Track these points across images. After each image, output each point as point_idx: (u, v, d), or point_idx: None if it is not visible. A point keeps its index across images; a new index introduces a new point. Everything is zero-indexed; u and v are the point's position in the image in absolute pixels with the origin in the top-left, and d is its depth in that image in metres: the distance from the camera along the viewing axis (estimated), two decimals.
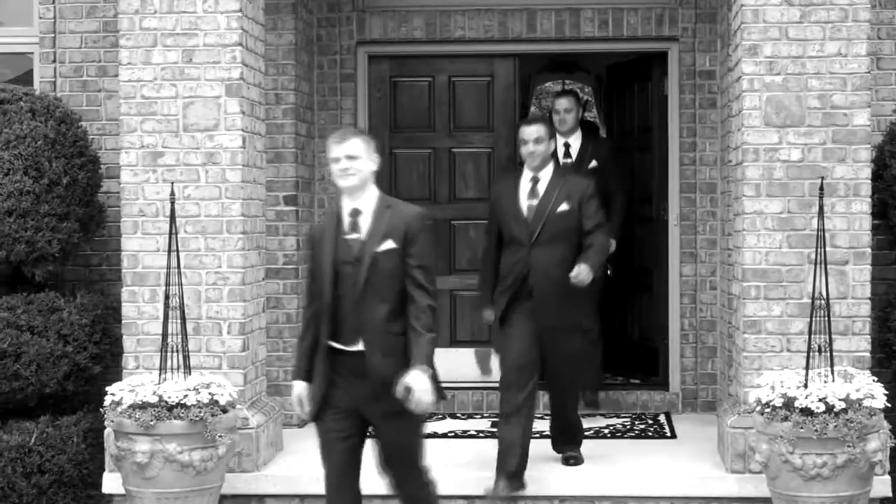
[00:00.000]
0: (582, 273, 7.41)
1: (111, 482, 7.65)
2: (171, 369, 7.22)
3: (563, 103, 9.65)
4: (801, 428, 6.62)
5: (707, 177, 9.59)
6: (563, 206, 7.60)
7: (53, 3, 9.00)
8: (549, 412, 8.28)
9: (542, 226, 7.61)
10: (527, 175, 7.77)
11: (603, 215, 7.78)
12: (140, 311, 7.69)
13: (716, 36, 9.48)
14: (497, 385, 8.14)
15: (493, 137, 10.00)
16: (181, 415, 6.92)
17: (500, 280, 7.78)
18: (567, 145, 9.55)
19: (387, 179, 9.94)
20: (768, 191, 7.39)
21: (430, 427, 8.99)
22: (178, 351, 7.25)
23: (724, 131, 9.04)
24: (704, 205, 9.61)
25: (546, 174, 7.75)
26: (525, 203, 7.67)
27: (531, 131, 7.72)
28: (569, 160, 9.52)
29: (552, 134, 8.03)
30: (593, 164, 9.44)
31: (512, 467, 7.41)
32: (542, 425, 8.33)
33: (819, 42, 7.37)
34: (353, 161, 6.23)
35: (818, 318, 7.01)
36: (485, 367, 9.91)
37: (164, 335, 7.26)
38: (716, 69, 9.50)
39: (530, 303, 7.62)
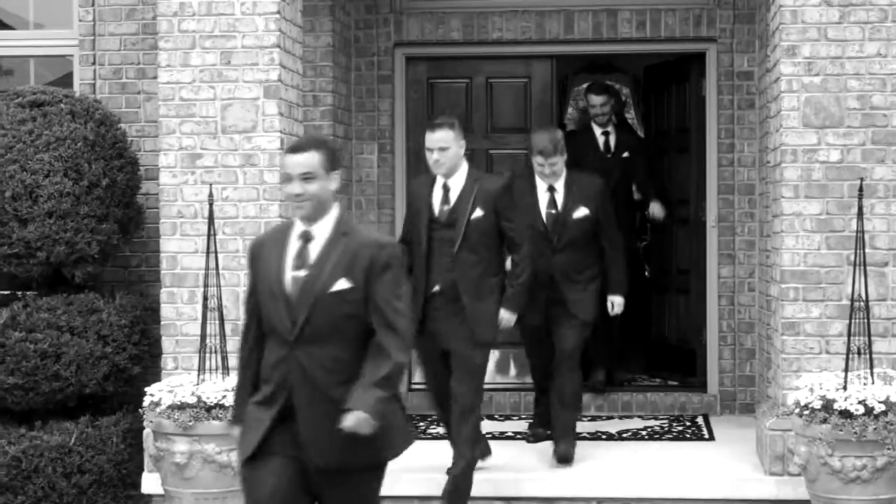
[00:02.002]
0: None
1: (150, 482, 7.68)
2: (210, 370, 7.26)
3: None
4: (841, 430, 6.58)
5: (745, 178, 9.56)
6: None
7: (93, 5, 9.05)
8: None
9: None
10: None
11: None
12: (178, 313, 7.72)
13: (754, 36, 9.44)
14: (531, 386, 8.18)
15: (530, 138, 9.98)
16: (219, 415, 6.94)
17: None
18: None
19: None
20: (807, 192, 7.36)
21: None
22: (216, 352, 7.28)
23: (762, 132, 9.00)
24: (743, 206, 9.57)
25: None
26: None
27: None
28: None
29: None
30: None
31: None
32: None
33: (858, 42, 7.33)
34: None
35: (857, 320, 6.98)
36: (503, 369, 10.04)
37: (203, 336, 7.29)
38: (754, 70, 9.47)
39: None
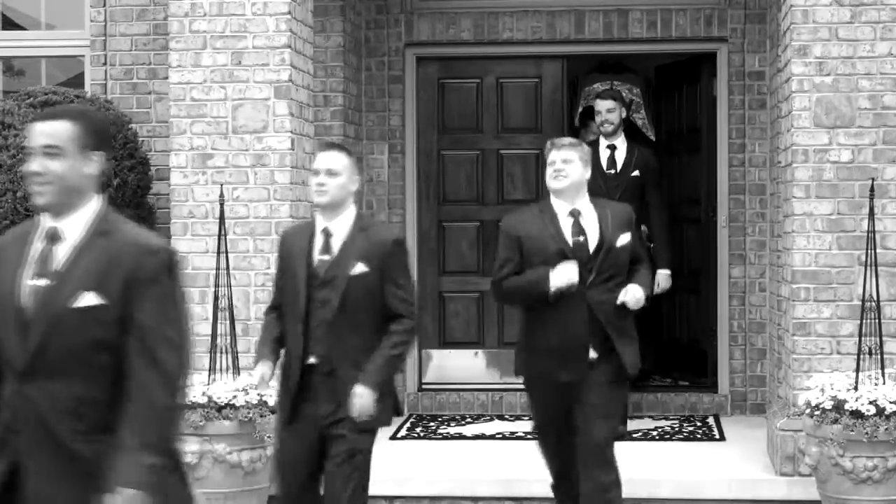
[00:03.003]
0: None
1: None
2: (221, 370, 7.27)
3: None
4: (852, 431, 6.58)
5: (756, 178, 9.55)
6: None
7: (104, 6, 9.07)
8: None
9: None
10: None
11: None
12: (189, 313, 7.72)
13: (765, 36, 9.43)
14: None
15: (541, 139, 9.95)
16: (230, 415, 6.95)
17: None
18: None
19: (435, 181, 9.97)
20: (818, 192, 7.35)
21: (475, 429, 9.02)
22: (227, 352, 7.29)
23: (773, 132, 8.99)
24: (754, 206, 9.57)
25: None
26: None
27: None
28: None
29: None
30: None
31: None
32: None
33: (870, 42, 7.32)
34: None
35: (868, 321, 6.97)
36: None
37: (214, 336, 7.30)
38: (765, 70, 9.46)
39: None
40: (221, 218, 7.43)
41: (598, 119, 9.28)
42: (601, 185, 8.49)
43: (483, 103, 10.02)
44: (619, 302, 6.23)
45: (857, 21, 7.33)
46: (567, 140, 6.44)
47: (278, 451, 5.96)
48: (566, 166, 6.25)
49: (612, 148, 9.07)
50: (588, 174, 6.33)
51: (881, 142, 7.33)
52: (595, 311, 6.25)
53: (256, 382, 5.83)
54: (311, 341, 5.78)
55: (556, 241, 6.27)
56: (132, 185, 8.27)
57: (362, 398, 5.69)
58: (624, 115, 9.18)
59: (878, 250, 7.11)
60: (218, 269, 7.37)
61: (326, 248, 5.82)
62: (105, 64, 9.11)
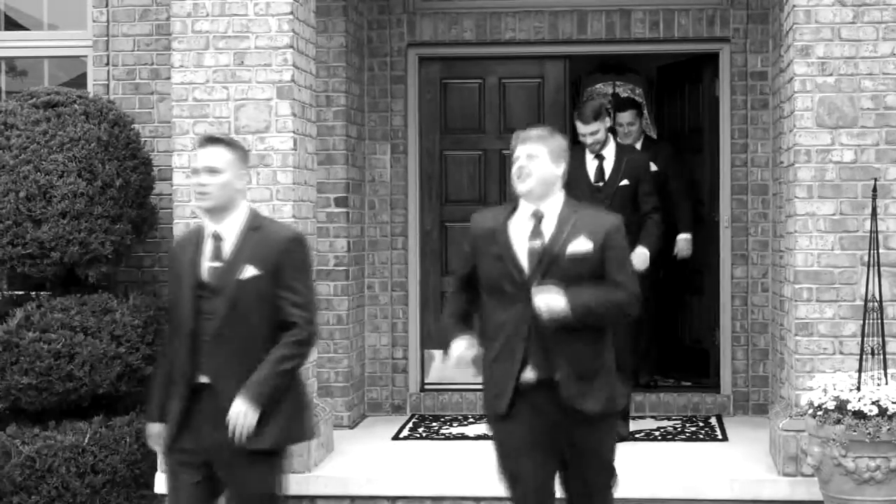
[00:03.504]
0: None
1: (163, 482, 7.69)
2: None
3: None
4: (854, 431, 6.58)
5: (759, 178, 9.55)
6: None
7: (107, 6, 9.07)
8: None
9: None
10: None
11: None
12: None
13: (767, 36, 9.43)
14: None
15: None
16: None
17: None
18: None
19: (437, 181, 9.96)
20: (820, 192, 7.35)
21: (477, 430, 9.01)
22: None
23: (775, 132, 8.99)
24: (756, 206, 9.56)
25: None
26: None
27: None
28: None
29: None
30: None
31: None
32: None
33: (872, 42, 7.32)
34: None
35: (871, 321, 6.97)
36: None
37: None
38: (767, 70, 9.45)
39: None
40: None
41: (582, 140, 8.63)
42: (588, 199, 7.83)
43: (485, 103, 10.02)
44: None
45: (859, 21, 7.33)
46: (534, 132, 5.48)
47: (170, 487, 5.48)
48: (530, 163, 5.36)
49: (601, 158, 8.63)
50: (560, 170, 5.41)
51: (883, 142, 7.32)
52: (535, 327, 5.29)
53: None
54: (200, 358, 5.26)
55: (500, 244, 5.41)
56: (135, 185, 8.27)
57: (240, 415, 5.14)
58: (609, 125, 8.87)
59: (880, 250, 7.11)
60: None
61: (217, 254, 5.33)
62: (107, 64, 9.11)
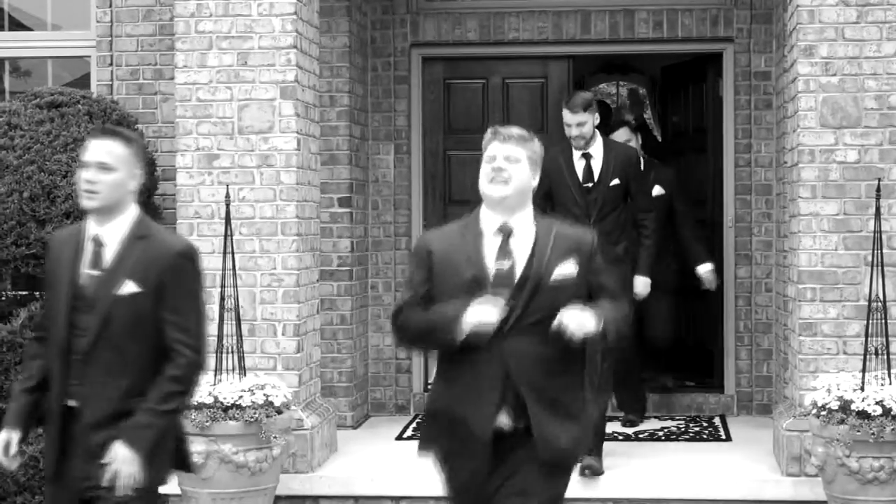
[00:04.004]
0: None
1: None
2: (227, 370, 7.27)
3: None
4: (858, 431, 6.57)
5: (762, 178, 9.54)
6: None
7: (110, 6, 9.07)
8: None
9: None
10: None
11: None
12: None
13: (771, 37, 9.43)
14: None
15: (547, 139, 9.94)
16: (236, 416, 6.96)
17: None
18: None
19: (441, 181, 9.96)
20: (824, 192, 7.34)
21: None
22: (233, 352, 7.29)
23: (779, 132, 8.99)
24: (760, 206, 9.56)
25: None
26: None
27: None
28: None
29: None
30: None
31: None
32: None
33: (876, 42, 7.32)
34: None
35: (875, 321, 6.96)
36: None
37: (220, 336, 7.30)
38: (771, 70, 9.45)
39: None
40: (227, 218, 7.44)
41: (567, 132, 7.93)
42: (577, 201, 7.78)
43: (489, 103, 10.01)
44: (553, 327, 4.60)
45: (863, 21, 7.32)
46: (516, 131, 4.83)
47: None
48: (511, 166, 4.74)
49: (588, 157, 7.90)
50: (535, 181, 4.79)
51: (887, 142, 7.32)
52: (511, 367, 4.61)
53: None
54: (70, 379, 4.69)
55: (472, 264, 4.69)
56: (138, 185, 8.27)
57: (120, 463, 4.56)
58: (597, 121, 7.88)
59: (884, 250, 7.11)
60: (224, 269, 7.38)
61: (96, 262, 4.74)
62: (111, 64, 9.11)
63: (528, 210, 4.80)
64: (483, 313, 4.54)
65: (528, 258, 4.67)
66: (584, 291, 4.71)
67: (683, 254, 9.39)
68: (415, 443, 8.84)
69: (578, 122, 7.74)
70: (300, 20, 7.78)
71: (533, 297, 4.63)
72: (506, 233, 4.74)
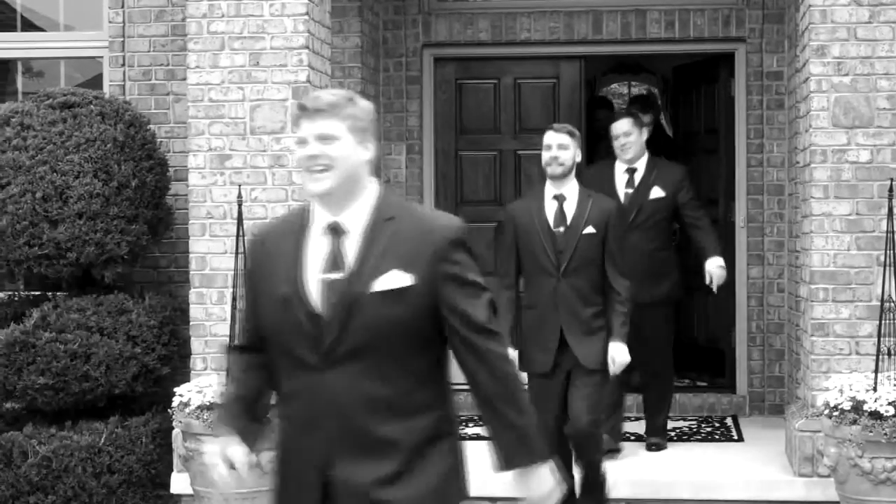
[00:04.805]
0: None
1: (179, 482, 7.71)
2: None
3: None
4: (870, 432, 6.56)
5: (774, 178, 9.53)
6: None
7: (123, 7, 9.09)
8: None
9: None
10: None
11: None
12: (208, 313, 7.75)
13: (783, 36, 9.42)
14: None
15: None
16: None
17: None
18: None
19: (453, 181, 9.97)
20: (836, 192, 7.33)
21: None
22: None
23: (791, 132, 8.98)
24: (772, 207, 9.55)
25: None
26: None
27: None
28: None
29: None
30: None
31: None
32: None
33: (888, 42, 7.30)
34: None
35: (887, 321, 6.95)
36: None
37: (232, 337, 7.31)
38: (783, 70, 9.44)
39: None
40: (240, 219, 7.44)
41: (544, 159, 7.40)
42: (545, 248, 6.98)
43: (501, 104, 10.02)
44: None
45: (875, 21, 7.31)
46: (326, 98, 3.73)
47: None
48: (326, 147, 3.66)
49: (561, 199, 7.00)
50: (369, 153, 3.78)
51: None
52: (331, 410, 3.66)
53: None
54: None
55: (287, 278, 3.71)
56: (150, 185, 8.28)
57: None
58: (578, 158, 6.97)
59: None
60: (236, 269, 7.38)
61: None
62: (123, 65, 9.12)
63: (367, 198, 3.77)
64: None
65: (352, 264, 3.70)
66: (429, 312, 3.68)
67: (695, 252, 8.97)
68: None
69: (560, 143, 6.86)
70: (312, 20, 7.79)
71: (351, 316, 3.65)
72: (336, 233, 3.74)
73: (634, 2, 9.61)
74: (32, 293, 8.51)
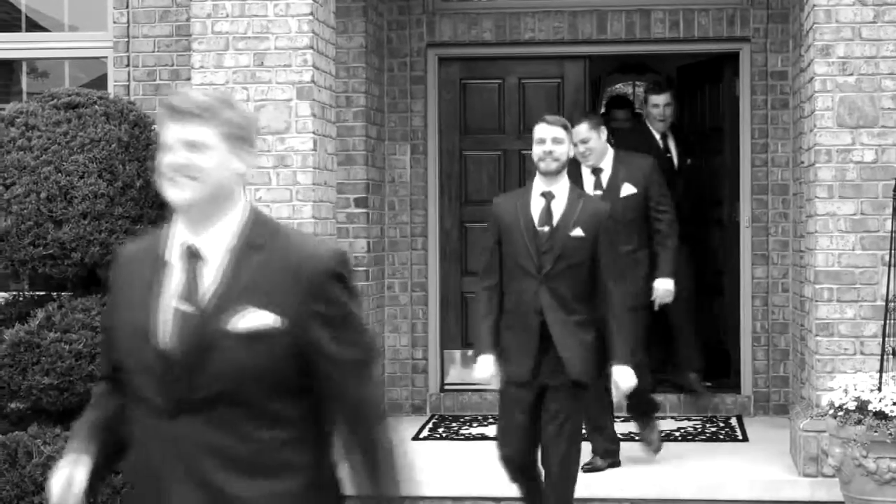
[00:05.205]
0: None
1: None
2: None
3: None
4: (875, 431, 6.55)
5: (779, 178, 9.53)
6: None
7: (127, 7, 9.09)
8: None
9: None
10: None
11: None
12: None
13: (788, 36, 9.41)
14: None
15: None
16: None
17: None
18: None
19: (457, 181, 9.97)
20: (841, 192, 7.33)
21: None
22: None
23: (796, 132, 8.97)
24: (776, 206, 9.54)
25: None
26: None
27: None
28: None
29: None
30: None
31: None
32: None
33: (893, 42, 7.29)
34: None
35: (892, 321, 6.94)
36: None
37: None
38: (788, 70, 9.43)
39: None
40: None
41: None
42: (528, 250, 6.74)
43: (505, 104, 10.02)
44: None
45: (880, 20, 7.30)
46: (196, 100, 3.19)
47: None
48: (194, 156, 3.16)
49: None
50: (245, 164, 3.22)
51: None
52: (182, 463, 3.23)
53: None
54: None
55: (142, 308, 3.28)
56: (155, 186, 8.27)
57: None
58: (572, 153, 6.63)
59: None
60: None
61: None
62: (128, 65, 9.13)
63: (234, 217, 3.25)
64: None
65: (209, 297, 3.19)
66: (298, 358, 3.16)
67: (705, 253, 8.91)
68: (431, 443, 8.89)
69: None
70: (316, 21, 7.79)
71: (204, 359, 3.16)
72: (193, 256, 3.23)
73: (639, 2, 9.61)
74: (37, 293, 8.51)
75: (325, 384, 3.20)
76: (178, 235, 3.25)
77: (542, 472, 6.51)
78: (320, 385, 3.20)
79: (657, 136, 9.54)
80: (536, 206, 6.46)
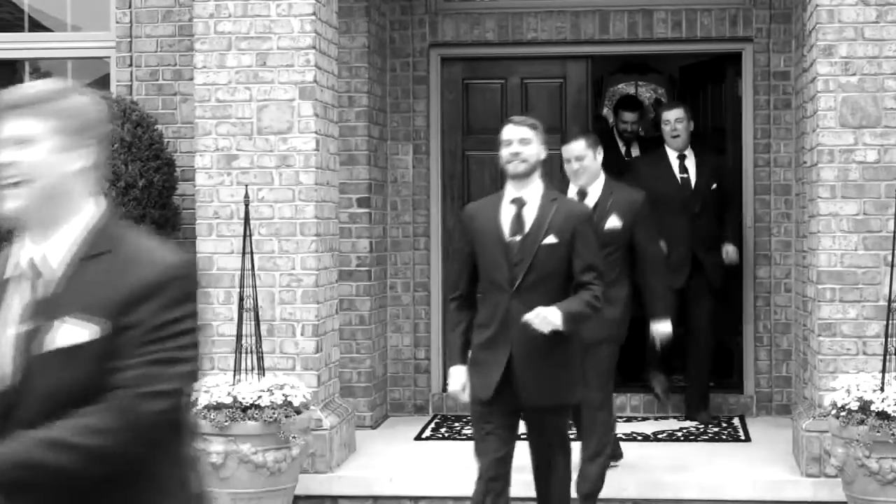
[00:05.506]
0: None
1: None
2: (246, 370, 7.28)
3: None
4: (878, 432, 6.55)
5: (782, 178, 9.52)
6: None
7: (130, 7, 9.10)
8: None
9: None
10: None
11: None
12: (215, 313, 7.75)
13: (790, 36, 9.41)
14: None
15: (566, 140, 9.96)
16: (255, 416, 6.97)
17: None
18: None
19: (459, 181, 9.96)
20: (844, 192, 7.33)
21: None
22: (251, 352, 7.30)
23: (798, 132, 8.97)
24: (779, 207, 9.54)
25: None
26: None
27: None
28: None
29: None
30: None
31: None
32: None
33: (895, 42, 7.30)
34: None
35: (894, 321, 6.94)
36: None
37: (239, 336, 7.31)
38: (790, 70, 9.43)
39: None
40: (246, 219, 7.45)
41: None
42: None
43: (507, 104, 10.01)
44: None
45: (882, 20, 7.30)
46: (20, 93, 2.85)
47: None
48: (19, 155, 2.80)
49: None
50: (86, 161, 2.90)
51: None
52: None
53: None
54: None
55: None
56: (157, 185, 8.30)
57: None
58: (542, 155, 6.35)
59: None
60: (243, 269, 7.39)
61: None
62: (130, 65, 9.13)
63: (78, 222, 2.91)
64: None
65: (40, 313, 2.86)
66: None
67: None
68: (434, 443, 8.91)
69: (521, 137, 6.29)
70: (319, 21, 7.79)
71: (26, 383, 2.83)
72: (33, 275, 2.90)
73: (641, 2, 9.61)
74: None
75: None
76: (25, 248, 2.90)
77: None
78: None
79: (673, 157, 9.30)
80: (507, 215, 6.12)
